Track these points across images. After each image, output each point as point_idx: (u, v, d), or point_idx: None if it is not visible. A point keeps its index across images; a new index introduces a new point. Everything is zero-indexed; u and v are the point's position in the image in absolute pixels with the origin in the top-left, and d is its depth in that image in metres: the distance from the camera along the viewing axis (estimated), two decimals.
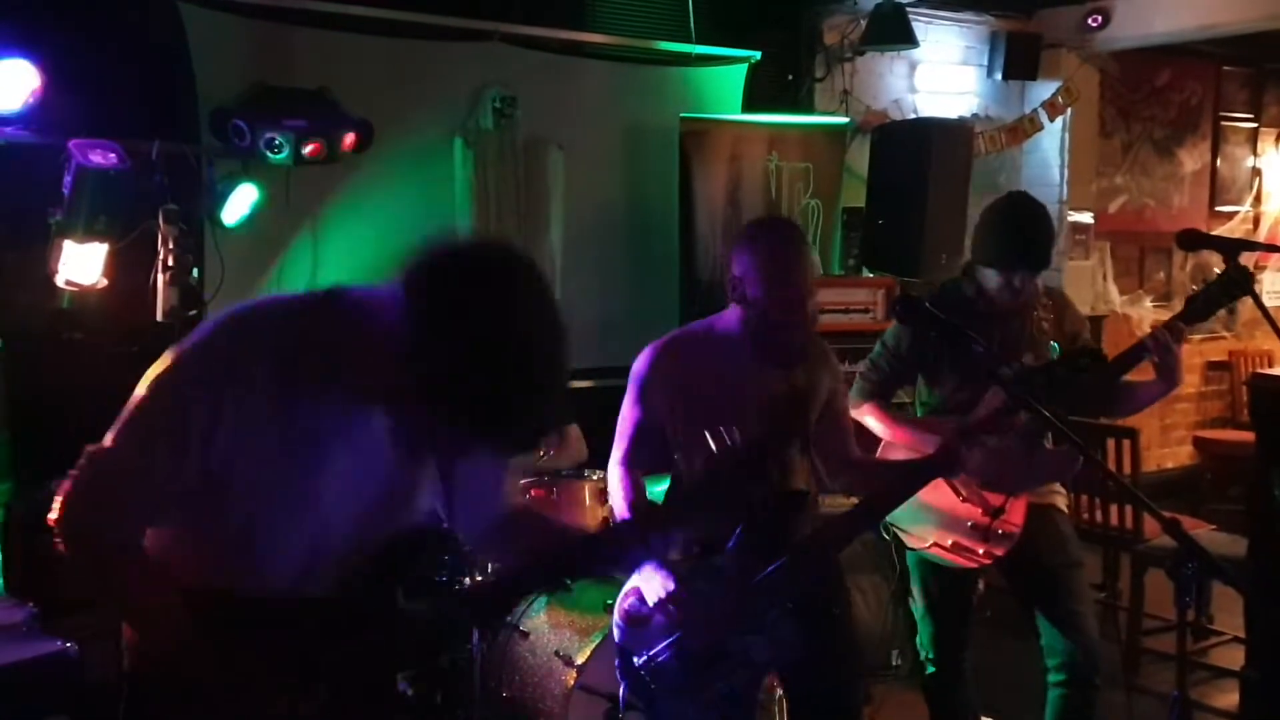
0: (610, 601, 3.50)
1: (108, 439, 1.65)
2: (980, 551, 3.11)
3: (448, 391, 1.50)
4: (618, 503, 2.75)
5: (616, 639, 2.66)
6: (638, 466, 2.76)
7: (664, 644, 2.54)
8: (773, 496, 2.62)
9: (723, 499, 1.89)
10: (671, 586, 2.49)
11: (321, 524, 1.69)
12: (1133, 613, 4.71)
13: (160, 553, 1.71)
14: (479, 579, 1.78)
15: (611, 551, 1.94)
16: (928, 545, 3.19)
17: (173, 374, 1.64)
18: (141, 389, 1.65)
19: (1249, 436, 4.11)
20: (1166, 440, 7.67)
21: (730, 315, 2.74)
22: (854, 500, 3.10)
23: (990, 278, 3.16)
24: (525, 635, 3.62)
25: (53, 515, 1.65)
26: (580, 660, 3.34)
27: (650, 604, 2.53)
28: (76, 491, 1.65)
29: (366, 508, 1.72)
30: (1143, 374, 3.11)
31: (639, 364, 2.77)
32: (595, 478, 3.73)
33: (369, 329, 1.59)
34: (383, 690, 1.76)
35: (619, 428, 2.80)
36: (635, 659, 2.59)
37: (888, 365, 3.29)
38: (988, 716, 3.64)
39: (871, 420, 3.29)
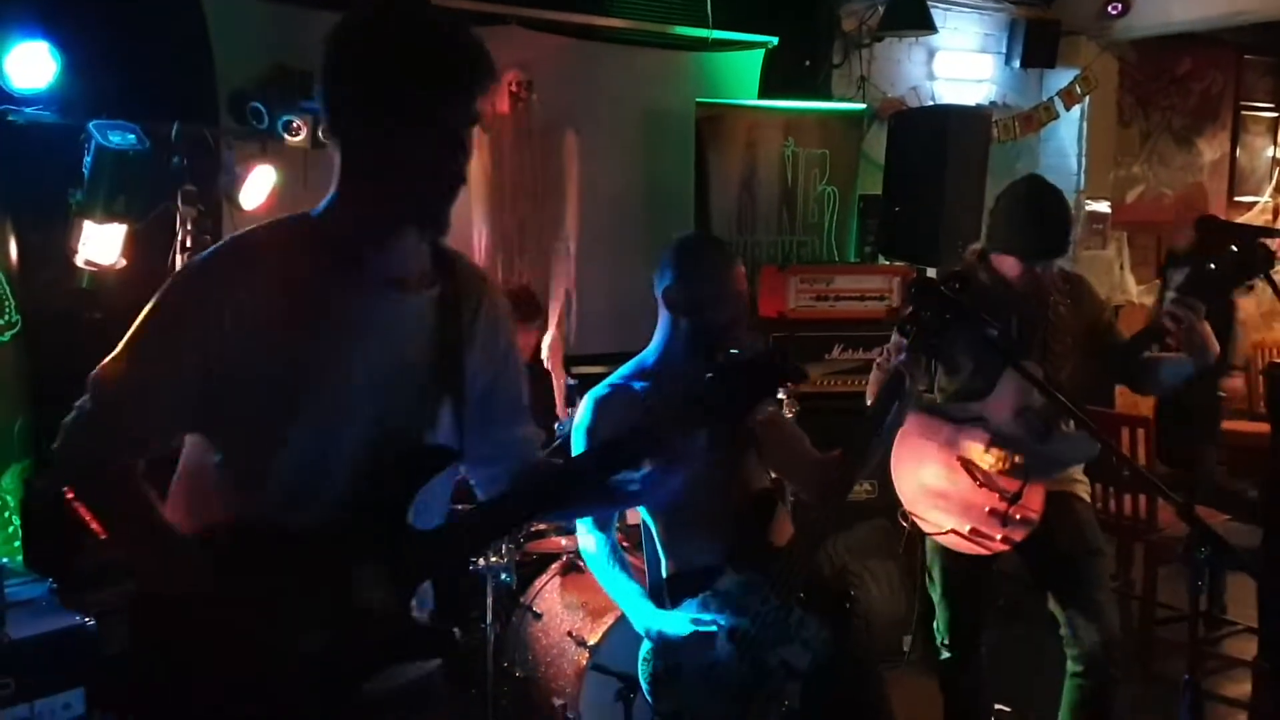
0: None
1: (106, 361, 1.65)
2: (998, 538, 3.10)
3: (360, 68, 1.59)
4: (597, 567, 2.68)
5: (652, 706, 2.53)
6: (607, 526, 2.68)
7: (704, 691, 2.44)
8: (741, 506, 2.59)
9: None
10: (685, 628, 2.43)
11: (332, 432, 1.65)
12: (1146, 602, 4.70)
13: (171, 499, 1.70)
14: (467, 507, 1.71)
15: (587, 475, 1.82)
16: (945, 532, 3.18)
17: (170, 289, 1.65)
18: (143, 312, 1.65)
19: (1265, 427, 4.10)
20: None
21: (655, 342, 2.70)
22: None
23: (1009, 264, 3.14)
24: (538, 616, 3.65)
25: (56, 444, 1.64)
26: (593, 641, 3.36)
27: (676, 651, 2.45)
28: (76, 419, 1.64)
29: (379, 414, 1.67)
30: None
31: (579, 417, 2.64)
32: None
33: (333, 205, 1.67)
34: (395, 617, 1.68)
35: None
36: (682, 718, 2.48)
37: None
38: (1000, 705, 3.64)
39: None
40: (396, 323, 1.69)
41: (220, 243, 1.71)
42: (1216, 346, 2.97)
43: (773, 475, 2.82)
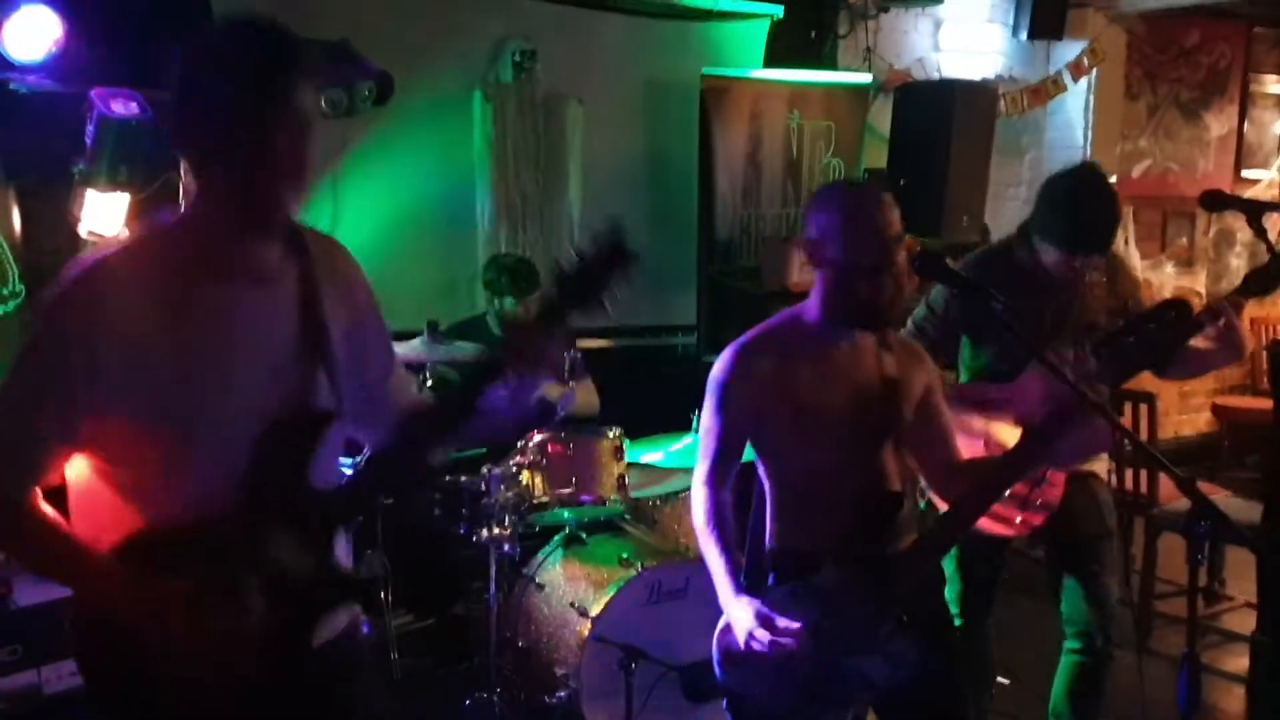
0: (625, 555, 3.54)
1: None
2: (1018, 520, 3.06)
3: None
4: (698, 525, 2.48)
5: (719, 677, 2.41)
6: (723, 484, 2.49)
7: (774, 679, 2.31)
8: (868, 502, 2.42)
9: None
10: (771, 622, 2.26)
11: (227, 428, 1.70)
12: (1145, 576, 4.72)
13: (79, 519, 1.74)
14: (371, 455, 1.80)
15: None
16: None
17: (44, 317, 1.67)
18: (14, 360, 1.67)
19: (1268, 404, 4.09)
20: (1185, 407, 7.64)
21: (812, 298, 2.47)
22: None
23: (1049, 252, 3.03)
24: (541, 587, 3.67)
25: None
26: (595, 612, 3.38)
27: (752, 644, 2.29)
28: None
29: (266, 401, 1.73)
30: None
31: (719, 369, 2.45)
32: (611, 435, 3.75)
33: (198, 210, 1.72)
34: (317, 574, 1.78)
35: (700, 443, 2.52)
36: (746, 699, 2.38)
37: (933, 329, 3.17)
38: (1000, 676, 3.65)
39: None
40: (267, 313, 1.74)
41: (71, 273, 1.68)
42: (1249, 344, 2.92)
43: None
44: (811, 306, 2.47)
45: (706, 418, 2.48)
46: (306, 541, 1.75)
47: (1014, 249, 3.16)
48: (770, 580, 2.47)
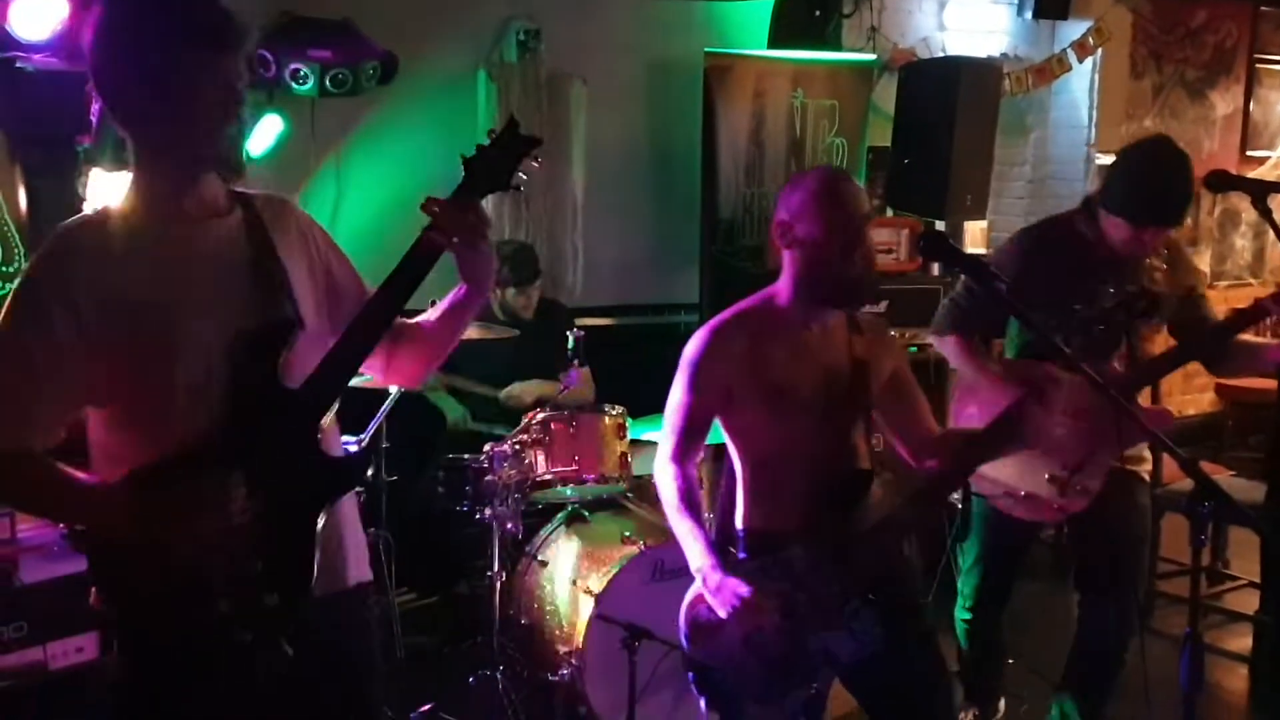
0: (628, 533, 3.56)
1: None
2: (1054, 505, 3.03)
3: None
4: (669, 501, 2.48)
5: (686, 649, 2.44)
6: (689, 461, 2.51)
7: (740, 652, 2.35)
8: (836, 480, 2.46)
9: None
10: (744, 593, 2.29)
11: (205, 354, 1.79)
12: (1149, 557, 4.73)
13: (99, 468, 1.82)
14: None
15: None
16: (999, 493, 3.09)
17: (20, 284, 1.77)
18: (3, 310, 1.78)
19: (1272, 384, 4.10)
20: (1189, 386, 7.63)
21: (783, 281, 2.51)
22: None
23: (1117, 225, 2.99)
24: (544, 565, 3.68)
25: None
26: (598, 589, 3.39)
27: (722, 614, 2.32)
28: None
29: (231, 322, 1.82)
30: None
31: (692, 347, 2.49)
32: (614, 412, 3.76)
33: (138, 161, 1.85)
34: (309, 458, 1.87)
35: (667, 420, 2.53)
36: (712, 670, 2.40)
37: (966, 303, 3.16)
38: (1011, 659, 3.65)
39: (953, 351, 3.17)
40: (220, 239, 1.86)
41: (48, 239, 1.83)
42: None
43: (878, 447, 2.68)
44: (783, 289, 2.51)
45: (677, 394, 2.51)
46: (290, 437, 1.84)
47: (1076, 221, 3.12)
48: (741, 556, 2.51)
